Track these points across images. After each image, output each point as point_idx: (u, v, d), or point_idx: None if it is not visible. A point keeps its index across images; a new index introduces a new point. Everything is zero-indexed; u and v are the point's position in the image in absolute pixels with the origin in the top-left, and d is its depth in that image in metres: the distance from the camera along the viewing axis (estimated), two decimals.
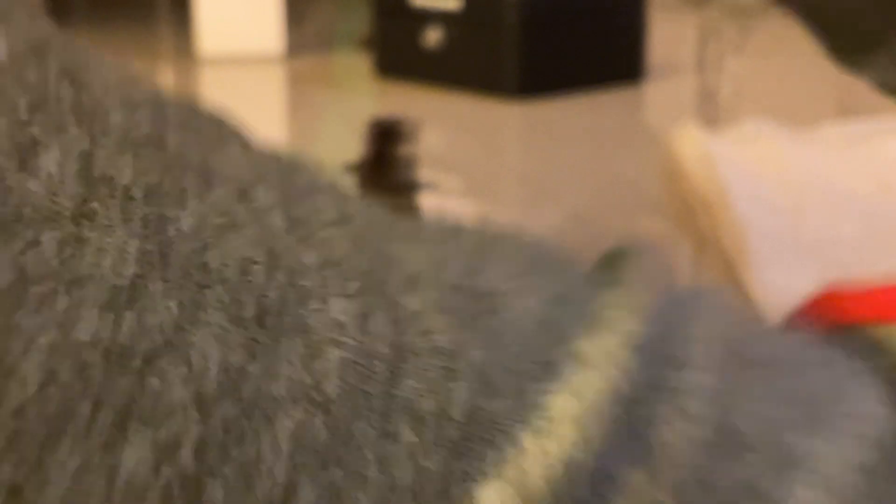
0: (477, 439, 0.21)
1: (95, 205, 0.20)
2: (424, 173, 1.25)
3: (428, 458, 0.21)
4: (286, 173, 0.22)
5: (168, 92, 0.22)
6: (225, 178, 0.21)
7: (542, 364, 0.23)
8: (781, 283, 0.75)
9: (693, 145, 1.15)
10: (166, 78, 2.03)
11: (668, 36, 2.33)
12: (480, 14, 1.99)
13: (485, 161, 1.53)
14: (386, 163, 1.37)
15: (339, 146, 1.55)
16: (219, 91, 2.05)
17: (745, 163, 1.04)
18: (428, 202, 1.18)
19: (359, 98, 2.03)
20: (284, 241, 0.21)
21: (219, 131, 0.22)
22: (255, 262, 0.20)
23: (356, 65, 2.28)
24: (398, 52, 2.12)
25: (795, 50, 1.25)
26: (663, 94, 2.02)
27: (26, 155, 0.19)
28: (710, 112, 1.76)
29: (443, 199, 1.27)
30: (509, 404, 0.22)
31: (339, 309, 0.21)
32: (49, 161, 0.19)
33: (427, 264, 0.23)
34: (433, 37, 2.05)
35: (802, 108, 1.72)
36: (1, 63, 0.19)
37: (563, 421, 0.22)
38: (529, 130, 1.79)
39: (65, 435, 0.19)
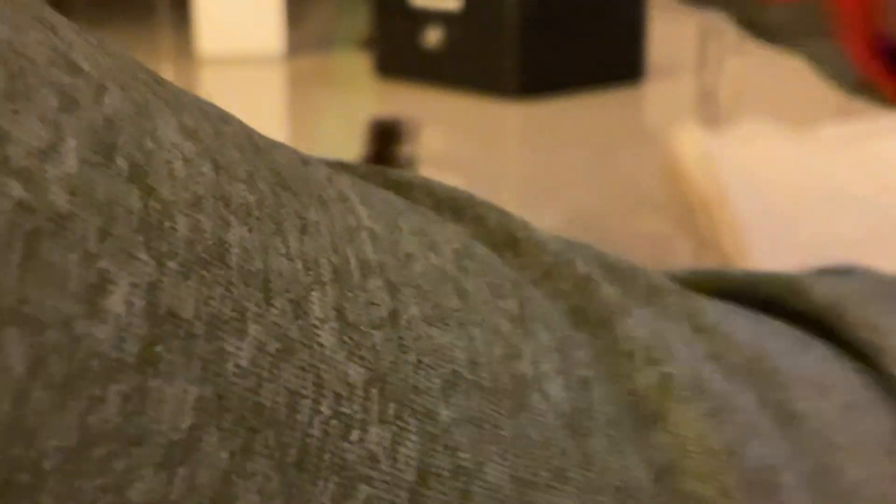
0: None
1: (160, 348, 0.18)
2: (424, 173, 1.25)
3: None
4: (343, 253, 0.21)
5: (229, 132, 0.21)
6: (283, 286, 0.20)
7: (555, 471, 0.23)
8: None
9: (693, 145, 1.15)
10: (166, 78, 2.02)
11: (668, 36, 2.33)
12: (480, 14, 1.99)
13: (485, 161, 1.53)
14: (386, 163, 1.38)
15: (339, 146, 1.55)
16: (219, 91, 2.05)
17: (744, 163, 1.04)
18: None
19: (359, 98, 2.03)
20: (333, 360, 0.20)
21: (278, 206, 0.21)
22: (304, 397, 0.20)
23: (356, 65, 2.28)
24: (398, 52, 2.12)
25: None
26: (663, 94, 2.02)
27: (95, 296, 0.17)
28: (710, 112, 1.76)
29: None
30: None
31: (376, 439, 0.20)
32: (118, 301, 0.18)
33: (467, 358, 0.22)
34: (433, 37, 2.05)
35: (802, 108, 1.72)
36: (71, 181, 0.17)
37: None
38: (529, 130, 1.79)
39: None
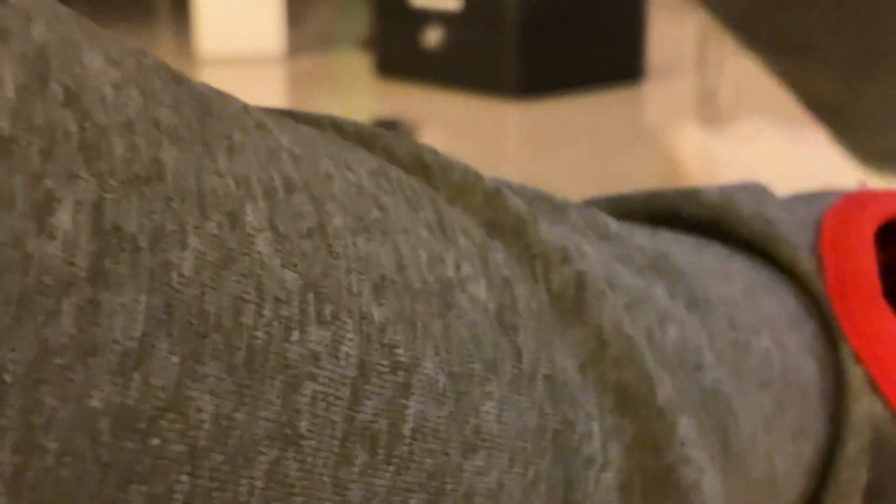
0: (420, 451, 0.23)
1: (108, 262, 0.19)
2: None
3: (378, 476, 0.22)
4: (268, 171, 0.22)
5: (150, 65, 0.22)
6: (218, 201, 0.21)
7: (487, 364, 0.24)
8: None
9: (693, 145, 1.15)
10: None
11: (668, 36, 2.33)
12: (480, 14, 1.99)
13: (485, 161, 1.53)
14: None
15: None
16: None
17: (744, 163, 1.04)
18: None
19: (359, 98, 2.03)
20: (270, 266, 0.21)
21: (204, 129, 0.22)
22: (246, 301, 0.21)
23: (356, 65, 2.28)
24: (398, 52, 2.12)
25: None
26: (663, 94, 2.02)
27: (43, 213, 0.18)
28: (710, 112, 1.76)
29: None
30: (449, 411, 0.23)
31: (316, 338, 0.21)
32: (65, 218, 0.19)
33: (394, 263, 0.23)
34: (433, 37, 2.05)
35: (802, 108, 1.72)
36: (11, 105, 0.18)
37: None
38: (529, 130, 1.79)
39: (77, 501, 0.19)
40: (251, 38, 2.35)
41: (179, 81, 0.22)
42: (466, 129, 1.76)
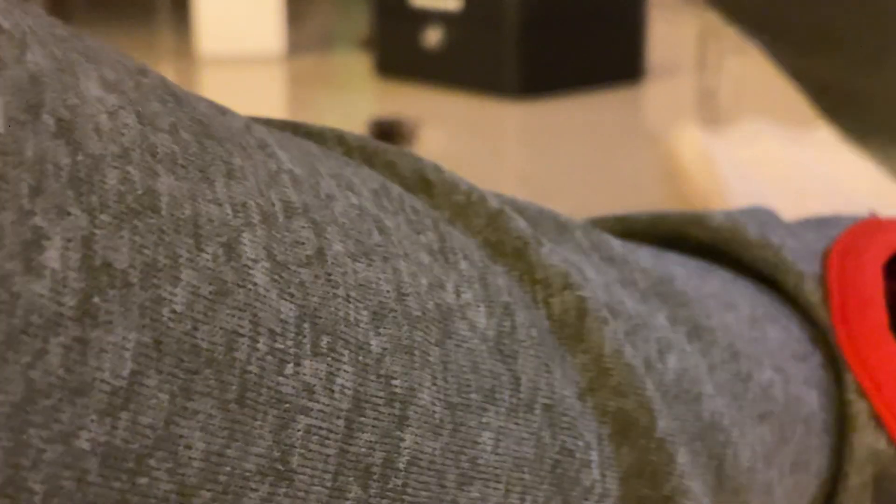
0: (415, 484, 0.22)
1: (97, 299, 0.19)
2: None
3: None
4: (268, 196, 0.22)
5: (149, 85, 0.22)
6: (214, 230, 0.21)
7: (485, 393, 0.24)
8: None
9: (693, 145, 1.15)
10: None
11: (668, 36, 2.33)
12: (480, 14, 1.99)
13: (485, 161, 1.53)
14: None
15: None
16: (219, 91, 2.05)
17: (744, 163, 1.04)
18: None
19: (359, 98, 2.03)
20: (266, 298, 0.21)
21: (203, 154, 0.21)
22: (240, 335, 0.20)
23: (356, 65, 2.28)
24: (398, 52, 2.12)
25: None
26: (663, 94, 2.02)
27: (31, 252, 0.18)
28: (710, 112, 1.76)
29: None
30: (445, 442, 0.23)
31: (311, 371, 0.21)
32: (53, 256, 0.18)
33: (394, 290, 0.23)
34: (433, 37, 2.05)
35: (802, 108, 1.72)
36: (1, 140, 0.18)
37: None
38: (529, 130, 1.79)
39: None
40: (251, 38, 2.35)
41: (179, 101, 0.22)
42: (466, 129, 1.76)
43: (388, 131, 1.54)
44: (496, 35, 1.99)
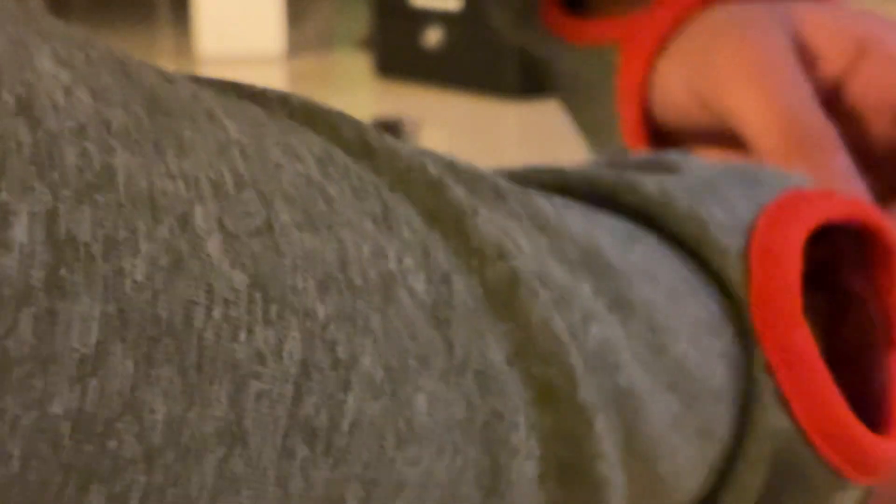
0: (357, 445, 0.24)
1: (63, 272, 0.20)
2: None
3: (317, 468, 0.23)
4: (218, 168, 0.23)
5: (98, 58, 0.22)
6: (169, 204, 0.21)
7: (421, 358, 0.25)
8: None
9: None
10: None
11: None
12: (480, 14, 2.00)
13: (485, 161, 1.53)
14: None
15: None
16: None
17: None
18: None
19: (359, 98, 2.03)
20: (220, 268, 0.22)
21: (154, 128, 0.22)
22: (197, 304, 0.21)
23: (356, 65, 2.28)
24: (398, 52, 2.12)
25: None
26: None
27: (1, 228, 0.19)
28: None
29: None
30: (384, 405, 0.24)
31: (262, 338, 0.22)
32: (21, 231, 0.19)
33: (338, 259, 0.24)
34: (433, 37, 2.05)
35: None
36: None
37: None
38: (529, 130, 1.79)
39: (41, 502, 0.20)
40: (251, 38, 2.35)
41: (127, 74, 0.23)
42: (466, 129, 1.76)
43: (389, 131, 1.54)
44: (496, 35, 1.98)
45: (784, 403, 0.32)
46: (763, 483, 0.33)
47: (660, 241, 0.33)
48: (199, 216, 0.22)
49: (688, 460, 0.31)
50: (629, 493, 0.30)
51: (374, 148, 0.27)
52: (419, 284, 0.25)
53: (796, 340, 0.32)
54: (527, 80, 1.95)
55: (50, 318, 0.19)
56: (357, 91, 2.08)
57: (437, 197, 0.27)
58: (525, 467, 0.27)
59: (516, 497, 0.27)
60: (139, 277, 0.20)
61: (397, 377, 0.24)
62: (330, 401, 0.23)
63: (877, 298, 0.35)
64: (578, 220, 0.32)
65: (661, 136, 0.46)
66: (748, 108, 0.41)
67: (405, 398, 0.25)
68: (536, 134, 1.76)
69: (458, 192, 0.27)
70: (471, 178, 0.30)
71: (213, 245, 0.22)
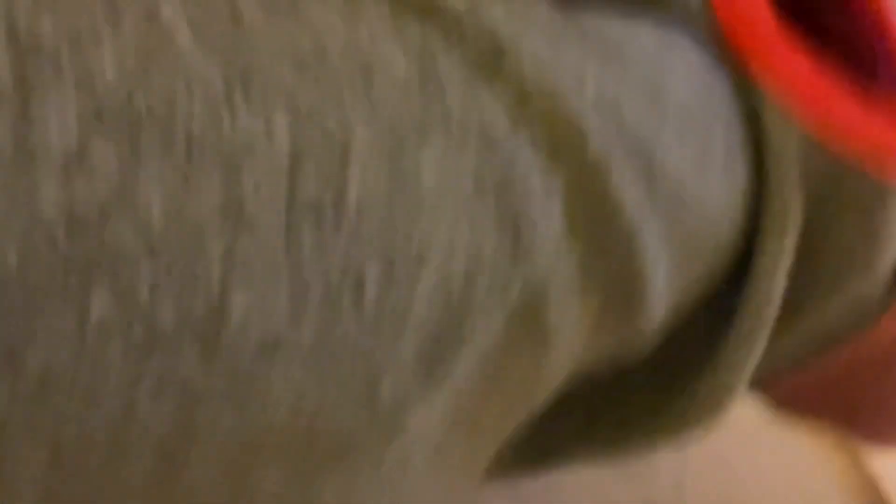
0: (367, 221, 0.23)
1: (29, 70, 0.20)
2: None
3: (329, 249, 0.23)
4: None
5: None
6: (132, 1, 0.21)
7: (419, 129, 0.24)
8: None
9: None
10: None
11: None
12: None
13: None
14: None
15: None
16: None
17: None
18: None
19: None
20: (192, 59, 0.22)
21: None
22: (175, 94, 0.21)
23: None
24: None
25: None
26: None
27: None
28: None
29: None
30: (389, 178, 0.24)
31: (247, 125, 0.22)
32: None
33: (312, 42, 0.24)
34: None
35: None
36: None
37: None
38: None
39: (45, 299, 0.20)
40: None
41: None
42: None
43: None
44: None
45: (776, 95, 0.29)
46: (802, 219, 0.31)
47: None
48: (167, 12, 0.22)
49: (716, 199, 0.30)
50: (667, 248, 0.29)
51: None
52: (400, 59, 0.25)
53: (787, 54, 0.28)
54: None
55: (25, 119, 0.20)
56: None
57: None
58: (548, 227, 0.27)
59: (542, 257, 0.26)
60: (110, 77, 0.21)
61: (397, 148, 0.24)
62: (330, 178, 0.23)
63: None
64: None
65: None
66: None
67: (410, 170, 0.24)
68: None
69: None
70: None
71: (183, 37, 0.22)
